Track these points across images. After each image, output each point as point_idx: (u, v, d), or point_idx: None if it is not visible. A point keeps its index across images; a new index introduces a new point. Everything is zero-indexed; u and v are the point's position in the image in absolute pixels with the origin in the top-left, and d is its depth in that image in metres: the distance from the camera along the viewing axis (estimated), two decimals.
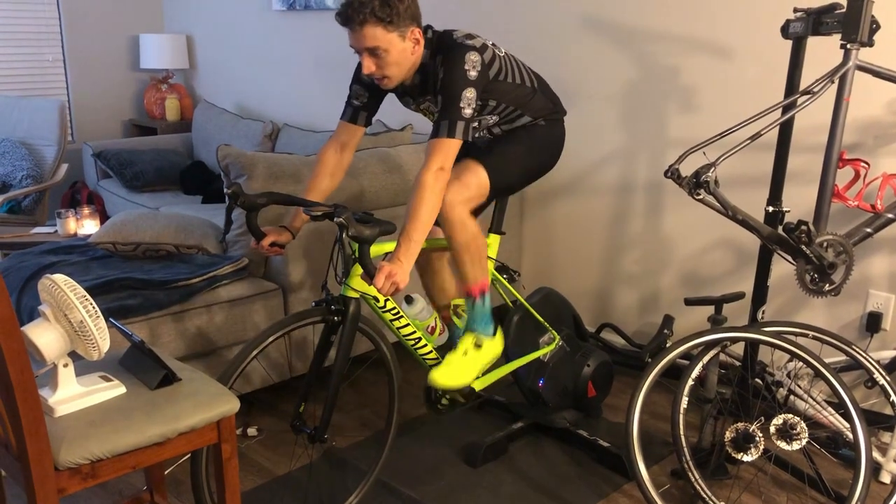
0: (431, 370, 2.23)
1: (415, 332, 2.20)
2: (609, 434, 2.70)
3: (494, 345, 2.32)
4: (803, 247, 1.96)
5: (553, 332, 2.64)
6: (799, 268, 2.03)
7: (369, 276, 1.84)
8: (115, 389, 1.65)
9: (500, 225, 2.41)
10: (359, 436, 2.70)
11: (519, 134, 2.22)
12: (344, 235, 1.81)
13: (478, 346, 2.28)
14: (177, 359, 2.55)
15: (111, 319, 1.89)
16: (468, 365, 2.25)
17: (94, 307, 1.55)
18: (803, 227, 1.92)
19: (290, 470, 2.49)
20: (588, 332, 2.95)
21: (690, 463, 2.25)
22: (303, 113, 4.66)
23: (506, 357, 2.55)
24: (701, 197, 1.95)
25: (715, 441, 2.51)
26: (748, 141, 1.93)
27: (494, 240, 2.39)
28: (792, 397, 2.68)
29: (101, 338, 1.57)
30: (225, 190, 2.03)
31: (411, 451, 2.59)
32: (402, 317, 2.15)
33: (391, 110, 3.91)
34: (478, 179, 2.14)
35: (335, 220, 1.80)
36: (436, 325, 2.29)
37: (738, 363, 2.86)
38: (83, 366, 1.76)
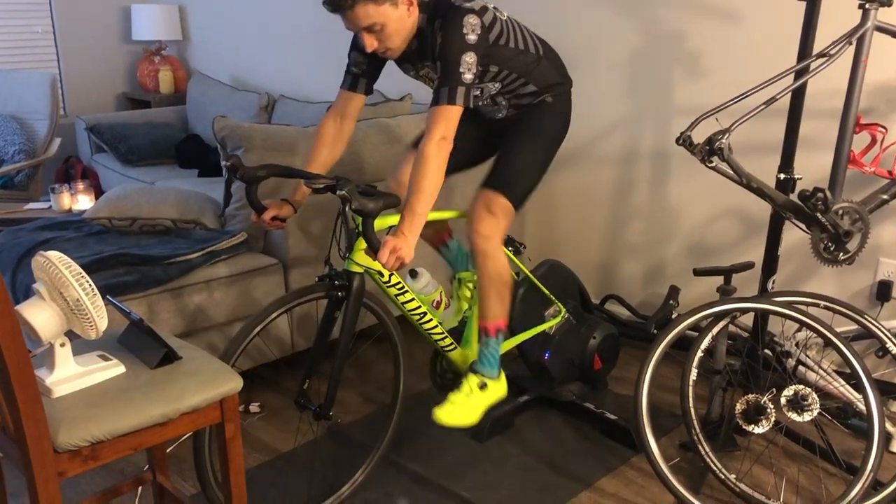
0: (435, 408, 2.18)
1: (420, 306, 2.15)
2: (616, 407, 2.67)
3: (499, 387, 2.27)
4: (819, 215, 1.90)
5: (559, 304, 2.59)
6: (814, 236, 1.98)
7: (373, 251, 1.79)
8: (114, 369, 1.61)
9: None
10: (362, 412, 2.67)
11: (529, 128, 2.17)
12: (347, 209, 1.75)
13: (482, 386, 2.22)
14: (176, 336, 2.50)
15: (108, 297, 1.84)
16: (472, 405, 2.21)
17: (90, 284, 1.50)
18: (819, 195, 1.87)
19: (295, 447, 2.45)
20: (593, 305, 2.91)
21: (700, 435, 2.22)
22: (299, 84, 4.57)
23: (511, 331, 2.50)
24: (714, 164, 1.89)
25: (724, 413, 2.48)
26: (763, 106, 1.87)
27: None
28: (801, 368, 2.64)
29: (99, 316, 1.51)
30: (223, 163, 1.97)
31: (417, 427, 2.56)
32: (406, 291, 2.10)
33: (389, 80, 3.82)
34: (504, 209, 2.13)
35: (338, 193, 1.74)
36: (441, 299, 2.24)
37: (745, 334, 2.83)
38: (81, 345, 1.71)
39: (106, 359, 1.63)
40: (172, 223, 2.81)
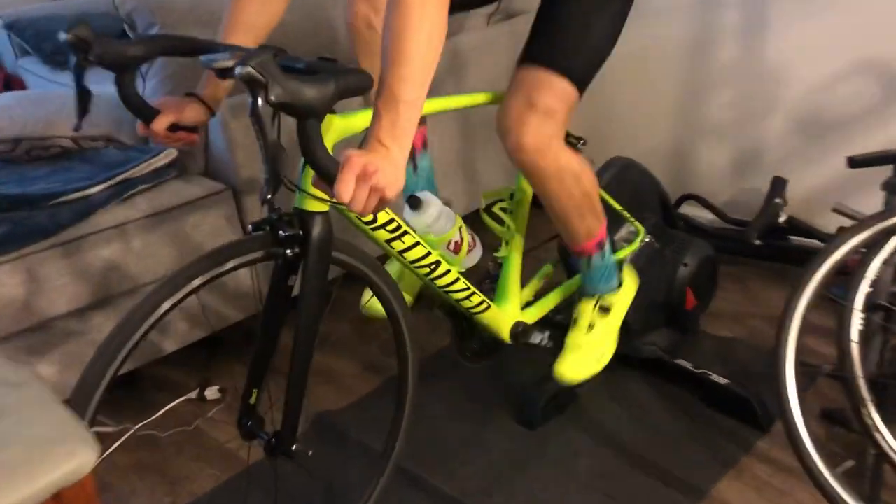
0: (556, 365, 1.56)
1: (429, 253, 1.34)
2: (720, 360, 1.89)
3: (625, 295, 1.65)
4: None
5: (635, 223, 1.77)
6: None
7: (326, 180, 0.96)
8: None
9: None
10: (361, 390, 1.91)
11: None
12: (259, 102, 0.91)
13: (604, 309, 1.60)
14: (80, 310, 1.73)
15: None
16: (600, 339, 1.61)
17: None
18: None
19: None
20: (678, 214, 2.09)
21: (876, 419, 1.44)
22: None
23: (568, 271, 1.71)
24: None
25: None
26: None
27: None
28: None
29: None
30: (62, 36, 1.12)
31: (439, 412, 1.79)
32: (405, 233, 1.29)
33: None
34: (561, 95, 1.32)
35: (237, 72, 0.90)
36: (461, 237, 1.43)
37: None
38: None
39: None
40: (73, 142, 1.99)
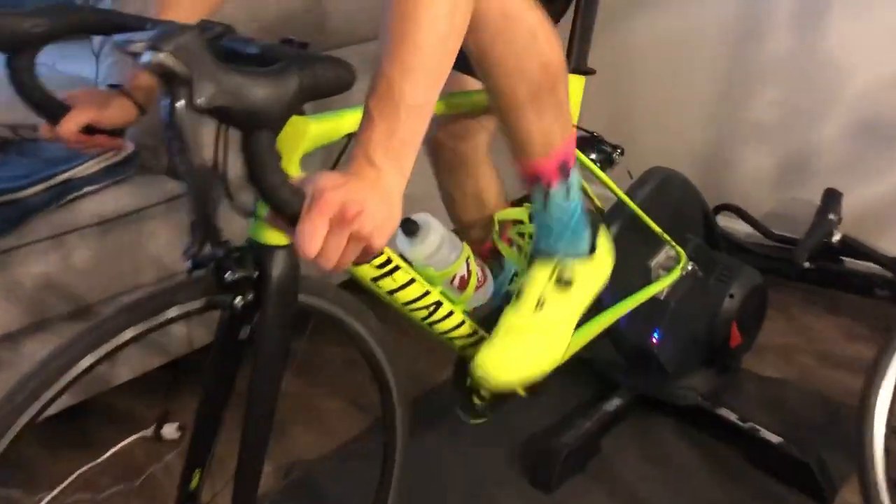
0: (478, 352, 1.13)
1: (427, 293, 1.05)
2: (769, 409, 1.61)
3: (596, 268, 1.20)
4: None
5: (675, 246, 1.48)
6: None
7: (285, 216, 0.67)
8: None
9: (585, 57, 1.21)
10: (348, 428, 1.63)
11: None
12: (179, 106, 0.63)
13: (563, 282, 1.14)
14: (9, 335, 1.44)
15: None
16: (548, 325, 1.14)
17: None
18: None
19: None
20: (722, 232, 1.80)
21: None
22: None
23: (595, 305, 1.42)
24: None
25: None
26: None
27: (576, 83, 1.19)
28: None
29: None
30: None
31: (437, 470, 1.51)
32: (397, 268, 1.00)
33: None
34: None
35: (144, 60, 0.61)
36: (468, 270, 1.13)
37: None
38: None
39: None
40: (11, 131, 1.69)
